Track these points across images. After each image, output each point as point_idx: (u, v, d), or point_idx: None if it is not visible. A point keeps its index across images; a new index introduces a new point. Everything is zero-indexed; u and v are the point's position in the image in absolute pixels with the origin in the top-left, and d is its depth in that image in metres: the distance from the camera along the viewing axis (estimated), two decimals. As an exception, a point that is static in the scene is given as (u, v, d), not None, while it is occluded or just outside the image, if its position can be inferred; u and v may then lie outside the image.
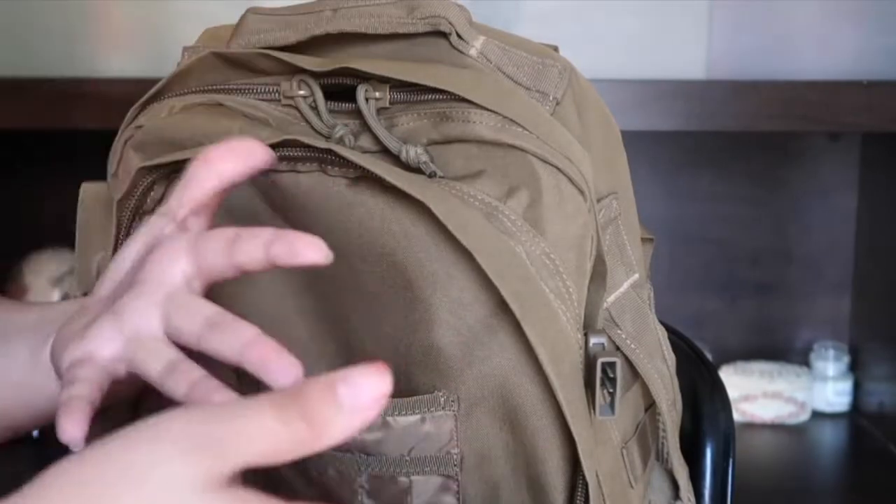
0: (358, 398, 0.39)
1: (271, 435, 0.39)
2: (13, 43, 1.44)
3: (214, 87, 0.66)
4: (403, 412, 0.63)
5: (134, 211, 0.66)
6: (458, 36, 0.64)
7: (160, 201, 0.66)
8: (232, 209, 0.66)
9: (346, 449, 0.64)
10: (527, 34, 0.67)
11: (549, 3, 1.47)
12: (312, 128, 0.65)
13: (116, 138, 0.68)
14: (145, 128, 0.66)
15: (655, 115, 1.39)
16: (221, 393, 0.52)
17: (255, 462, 0.39)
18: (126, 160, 0.67)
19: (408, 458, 0.63)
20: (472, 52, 0.64)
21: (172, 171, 0.66)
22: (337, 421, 0.39)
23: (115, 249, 0.67)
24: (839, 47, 1.49)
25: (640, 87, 1.39)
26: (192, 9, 1.43)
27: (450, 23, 0.64)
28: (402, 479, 0.64)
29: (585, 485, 0.62)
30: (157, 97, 0.67)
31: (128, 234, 0.67)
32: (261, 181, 0.65)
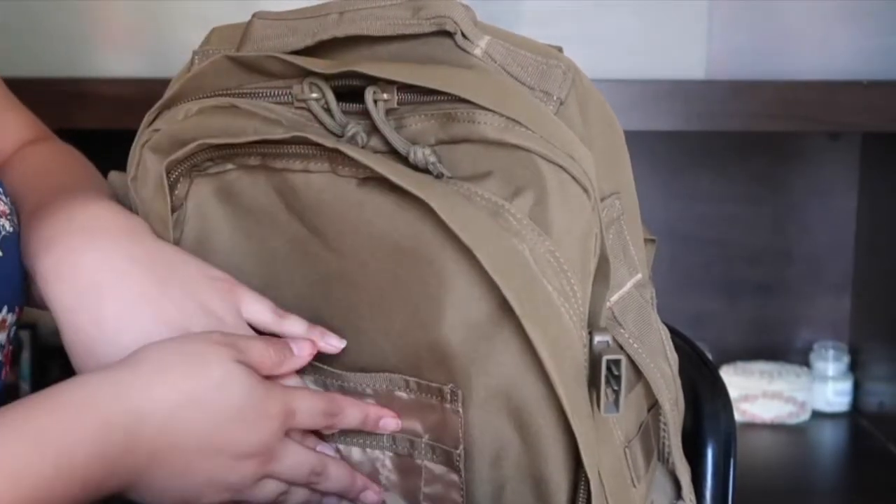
0: (303, 352, 0.67)
1: (266, 354, 0.66)
2: (14, 43, 1.44)
3: (229, 92, 0.67)
4: (405, 389, 0.65)
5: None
6: (463, 35, 0.64)
7: (185, 198, 0.68)
8: (252, 209, 0.68)
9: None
10: (527, 35, 0.67)
11: (550, 3, 1.47)
12: (326, 128, 0.65)
13: (134, 143, 0.68)
14: (162, 130, 0.67)
15: (655, 115, 1.39)
16: None
17: (255, 364, 0.65)
18: (144, 163, 0.67)
19: (420, 441, 0.65)
20: (477, 51, 0.64)
21: (192, 167, 0.67)
22: (290, 361, 0.67)
23: None
24: (838, 47, 1.48)
25: (640, 87, 1.39)
26: (193, 9, 1.43)
27: (455, 22, 0.64)
28: (418, 461, 0.65)
29: (588, 483, 0.62)
30: (173, 101, 0.68)
31: None
32: (276, 180, 0.66)
